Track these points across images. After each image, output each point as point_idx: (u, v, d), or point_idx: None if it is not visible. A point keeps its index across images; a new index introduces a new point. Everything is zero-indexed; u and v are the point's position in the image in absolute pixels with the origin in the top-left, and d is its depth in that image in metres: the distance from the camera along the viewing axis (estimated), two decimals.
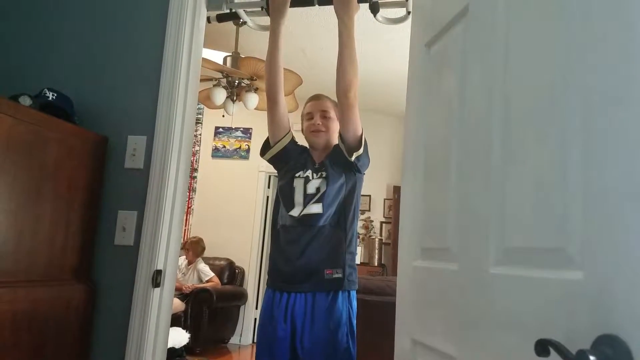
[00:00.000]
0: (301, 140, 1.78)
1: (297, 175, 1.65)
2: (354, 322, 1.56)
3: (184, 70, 1.58)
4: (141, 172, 1.55)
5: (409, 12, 1.63)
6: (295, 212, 1.59)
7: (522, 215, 0.73)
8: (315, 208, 1.57)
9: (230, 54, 3.28)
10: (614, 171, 0.56)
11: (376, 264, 5.06)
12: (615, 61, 0.58)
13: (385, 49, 3.63)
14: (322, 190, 1.58)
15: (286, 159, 1.70)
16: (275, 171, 1.75)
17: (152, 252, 1.49)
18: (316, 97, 1.75)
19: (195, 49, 1.63)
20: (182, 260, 4.48)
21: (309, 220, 1.57)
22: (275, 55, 1.62)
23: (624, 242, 0.54)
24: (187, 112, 1.61)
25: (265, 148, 1.71)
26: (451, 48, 1.01)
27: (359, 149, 1.57)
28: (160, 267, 1.51)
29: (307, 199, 1.59)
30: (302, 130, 1.77)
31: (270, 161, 1.72)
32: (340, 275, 1.54)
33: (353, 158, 1.57)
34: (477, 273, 0.82)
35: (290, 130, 1.72)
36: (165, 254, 1.53)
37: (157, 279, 1.49)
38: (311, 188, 1.61)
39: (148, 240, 1.50)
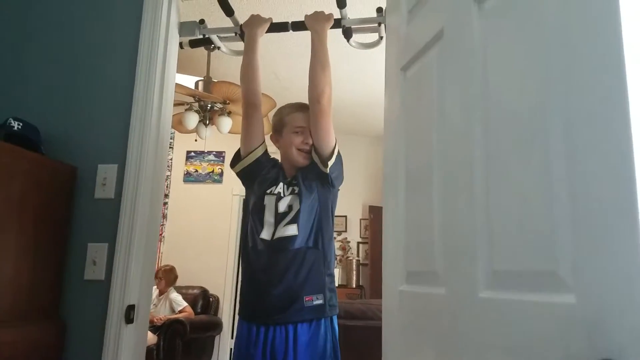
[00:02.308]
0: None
1: (268, 191, 1.52)
2: (338, 348, 1.47)
3: (156, 96, 1.54)
4: (112, 202, 1.49)
5: (381, 37, 1.65)
6: (266, 235, 1.47)
7: (510, 237, 0.73)
8: (290, 230, 1.45)
9: (202, 78, 3.26)
10: (602, 191, 0.57)
11: (354, 286, 5.01)
12: (593, 78, 0.59)
13: (358, 72, 3.69)
14: (295, 209, 1.46)
15: (257, 173, 1.57)
16: None
17: (125, 286, 1.42)
18: (307, 109, 1.54)
19: (168, 75, 1.60)
20: (153, 291, 4.32)
21: (283, 243, 1.44)
22: (252, 57, 1.57)
23: (616, 263, 0.54)
24: (160, 139, 1.57)
25: (237, 159, 1.58)
26: (427, 71, 1.02)
27: (331, 158, 1.49)
28: (133, 301, 1.44)
29: (279, 218, 1.47)
30: (277, 140, 1.61)
31: (239, 174, 1.60)
32: (321, 301, 1.43)
33: (328, 169, 1.47)
34: (466, 297, 0.81)
35: (264, 142, 1.59)
36: (138, 287, 1.46)
37: (130, 314, 1.42)
38: (283, 206, 1.49)
39: (120, 274, 1.43)
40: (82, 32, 1.67)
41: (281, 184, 1.53)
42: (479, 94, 0.82)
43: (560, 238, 0.62)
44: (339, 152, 1.52)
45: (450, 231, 0.88)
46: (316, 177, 1.51)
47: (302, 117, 1.56)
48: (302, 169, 1.55)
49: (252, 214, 1.54)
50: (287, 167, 1.58)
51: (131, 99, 1.54)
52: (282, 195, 1.51)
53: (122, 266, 1.43)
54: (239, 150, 1.60)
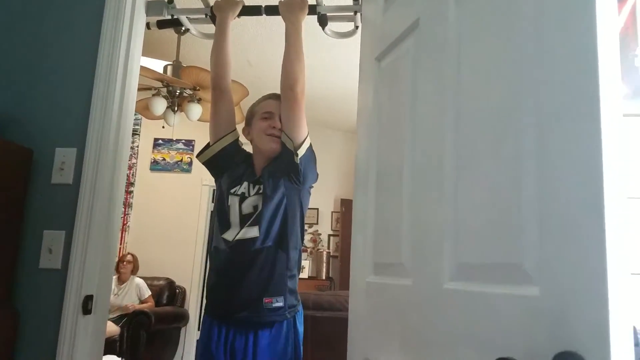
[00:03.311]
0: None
1: (232, 191, 1.48)
2: (300, 347, 1.45)
3: (119, 78, 1.47)
4: (70, 188, 1.41)
5: (357, 27, 1.63)
6: (229, 236, 1.43)
7: (477, 230, 0.72)
8: (252, 232, 1.40)
9: (171, 62, 3.16)
10: (569, 186, 0.57)
11: (324, 278, 5.03)
12: (566, 76, 0.59)
13: (332, 64, 3.66)
14: (258, 209, 1.42)
15: (225, 165, 1.52)
16: None
17: (82, 276, 1.35)
18: (277, 97, 1.51)
19: (133, 56, 1.52)
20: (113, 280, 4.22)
21: (244, 245, 1.40)
22: (222, 40, 1.53)
23: (580, 258, 0.54)
24: (123, 122, 1.49)
25: (204, 150, 1.54)
26: (402, 61, 1.01)
27: (300, 147, 1.43)
28: (91, 292, 1.37)
29: (244, 220, 1.42)
30: (248, 133, 1.56)
31: (206, 164, 1.54)
32: (281, 304, 1.39)
33: (298, 158, 1.41)
34: (432, 288, 0.81)
35: (235, 129, 1.54)
36: (97, 277, 1.39)
37: (87, 305, 1.36)
38: (247, 207, 1.44)
39: (77, 263, 1.36)
40: (42, 6, 1.58)
41: (246, 183, 1.48)
42: (452, 87, 0.81)
43: (526, 232, 0.62)
44: (311, 147, 1.47)
45: (418, 223, 0.88)
46: (284, 172, 1.45)
47: (272, 103, 1.52)
48: (271, 162, 1.50)
49: (217, 212, 1.50)
50: (257, 161, 1.53)
51: (92, 80, 1.46)
52: (246, 195, 1.46)
53: (80, 255, 1.37)
54: (208, 143, 1.55)
